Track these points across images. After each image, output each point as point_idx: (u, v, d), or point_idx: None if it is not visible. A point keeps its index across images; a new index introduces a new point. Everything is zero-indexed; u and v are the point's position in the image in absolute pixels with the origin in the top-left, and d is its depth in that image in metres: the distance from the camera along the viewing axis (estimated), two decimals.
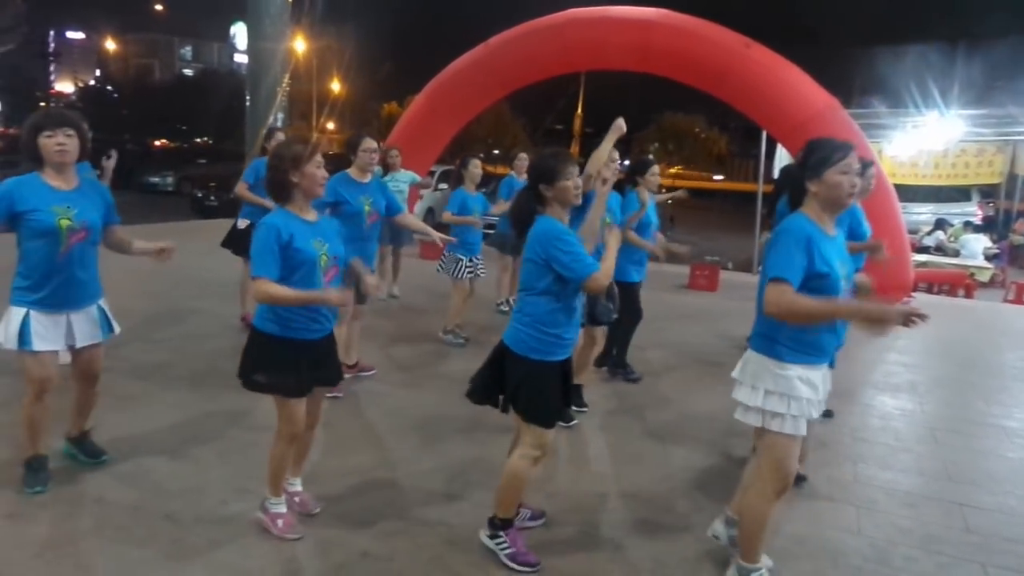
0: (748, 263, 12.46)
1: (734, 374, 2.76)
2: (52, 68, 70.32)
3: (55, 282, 3.13)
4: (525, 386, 2.82)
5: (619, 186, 5.04)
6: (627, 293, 5.19)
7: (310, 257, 2.85)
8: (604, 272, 2.77)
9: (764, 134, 11.20)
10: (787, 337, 2.58)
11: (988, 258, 13.12)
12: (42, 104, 43.98)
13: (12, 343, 3.11)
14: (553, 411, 2.90)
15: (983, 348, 7.65)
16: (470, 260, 6.18)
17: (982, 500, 3.86)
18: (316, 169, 2.90)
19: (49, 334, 3.17)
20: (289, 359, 2.87)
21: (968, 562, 3.22)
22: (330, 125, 49.99)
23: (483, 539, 2.98)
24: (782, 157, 11.55)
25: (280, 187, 2.89)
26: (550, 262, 2.75)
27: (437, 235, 4.98)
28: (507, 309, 7.34)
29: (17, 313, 3.12)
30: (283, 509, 3.06)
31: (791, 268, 2.47)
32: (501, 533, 2.93)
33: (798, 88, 9.18)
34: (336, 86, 49.24)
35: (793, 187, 2.73)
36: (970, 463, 4.41)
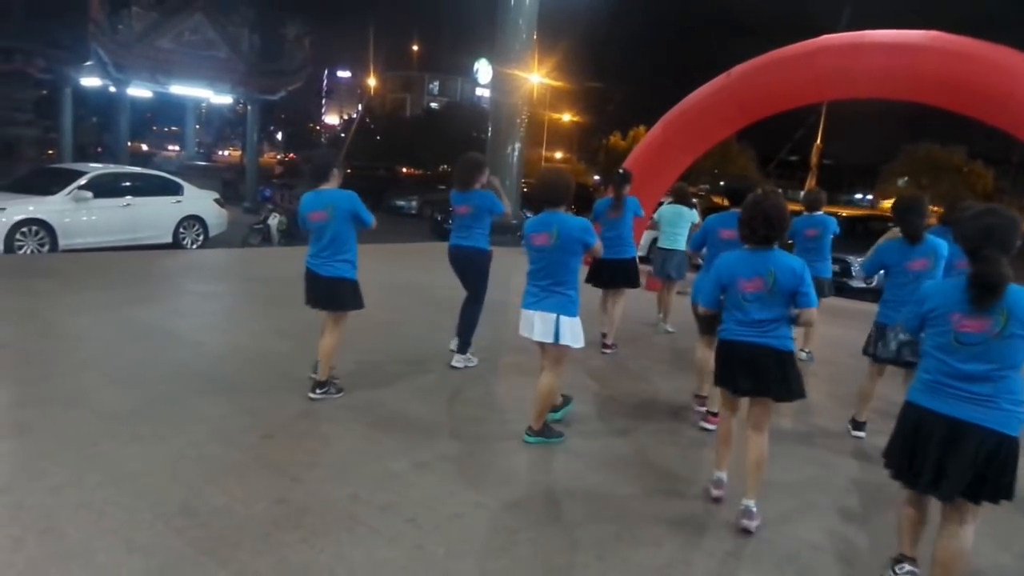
0: None
1: None
2: (323, 103, 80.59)
3: None
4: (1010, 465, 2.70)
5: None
6: None
7: None
8: None
9: None
10: None
11: None
12: (314, 134, 49.97)
13: (582, 341, 4.12)
14: None
15: None
16: None
17: None
18: None
19: None
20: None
21: None
22: (558, 154, 51.74)
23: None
24: None
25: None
26: None
27: None
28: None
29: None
30: None
31: None
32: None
33: None
34: (567, 116, 50.92)
35: None
36: None
